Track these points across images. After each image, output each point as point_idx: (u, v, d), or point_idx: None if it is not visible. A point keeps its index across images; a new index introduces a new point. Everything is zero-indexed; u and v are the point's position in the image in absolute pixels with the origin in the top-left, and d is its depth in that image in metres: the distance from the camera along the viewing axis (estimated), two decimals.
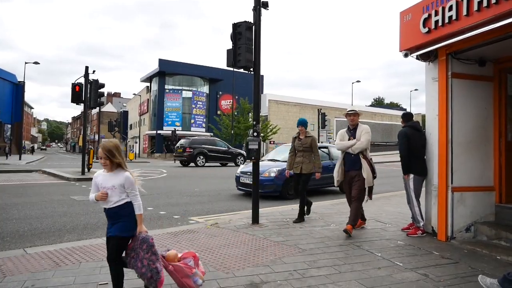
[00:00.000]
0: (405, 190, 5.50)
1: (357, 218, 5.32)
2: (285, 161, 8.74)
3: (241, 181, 9.79)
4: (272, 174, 9.12)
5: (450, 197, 4.90)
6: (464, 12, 4.19)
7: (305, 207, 6.27)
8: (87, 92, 14.77)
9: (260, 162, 9.78)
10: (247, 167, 9.78)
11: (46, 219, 6.48)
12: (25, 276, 3.49)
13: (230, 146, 25.00)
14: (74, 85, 14.71)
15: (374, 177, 5.29)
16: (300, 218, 6.08)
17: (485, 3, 3.94)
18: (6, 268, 3.70)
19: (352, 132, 5.39)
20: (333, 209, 7.32)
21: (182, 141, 23.93)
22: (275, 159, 10.32)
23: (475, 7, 4.05)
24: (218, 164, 24.18)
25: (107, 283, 3.32)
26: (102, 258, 4.03)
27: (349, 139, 5.37)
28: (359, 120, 5.50)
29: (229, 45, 5.98)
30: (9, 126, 44.35)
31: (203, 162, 22.67)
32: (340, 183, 5.60)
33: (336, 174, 5.48)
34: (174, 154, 25.37)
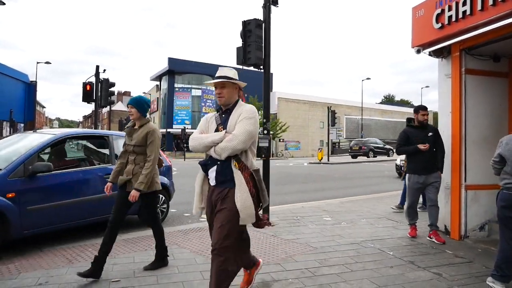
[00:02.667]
0: (430, 189, 4.81)
1: (222, 285, 2.51)
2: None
3: None
4: None
5: (464, 196, 4.83)
6: (479, 7, 4.11)
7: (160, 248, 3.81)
8: (98, 91, 14.91)
9: None
10: None
11: None
12: (39, 272, 3.55)
13: (384, 144, 33.33)
14: (85, 84, 14.84)
15: (260, 206, 2.70)
16: (158, 263, 3.76)
17: None
18: (21, 265, 3.77)
19: (224, 117, 2.75)
20: (342, 207, 7.27)
21: (354, 141, 33.82)
22: None
23: (490, 2, 3.97)
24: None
25: (119, 280, 3.35)
26: (114, 255, 4.07)
27: (216, 130, 2.71)
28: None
29: (235, 44, 5.97)
30: (22, 125, 45.13)
31: (372, 155, 30.53)
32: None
33: (197, 197, 2.80)
34: (349, 151, 33.41)
